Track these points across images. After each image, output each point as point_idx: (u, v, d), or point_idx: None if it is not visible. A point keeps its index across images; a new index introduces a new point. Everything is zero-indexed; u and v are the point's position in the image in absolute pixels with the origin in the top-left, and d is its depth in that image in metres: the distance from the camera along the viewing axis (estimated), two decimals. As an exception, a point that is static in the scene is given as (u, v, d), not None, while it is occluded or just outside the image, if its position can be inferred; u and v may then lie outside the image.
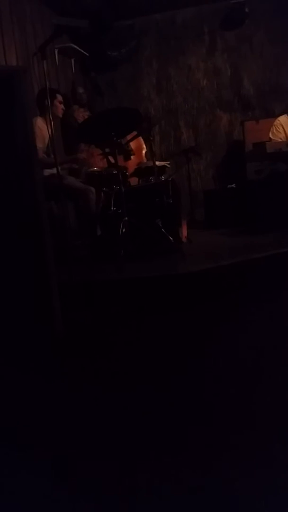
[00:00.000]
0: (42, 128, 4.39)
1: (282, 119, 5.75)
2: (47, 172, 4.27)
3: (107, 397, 2.26)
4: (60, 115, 4.79)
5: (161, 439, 1.83)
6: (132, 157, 5.26)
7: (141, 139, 5.79)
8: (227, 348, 2.68)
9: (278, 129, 5.70)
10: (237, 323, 3.07)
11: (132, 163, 5.32)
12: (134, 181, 5.14)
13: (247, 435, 1.79)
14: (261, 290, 3.52)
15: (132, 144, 5.25)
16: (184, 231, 5.02)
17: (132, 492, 1.55)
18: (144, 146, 5.95)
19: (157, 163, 4.79)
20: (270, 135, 5.70)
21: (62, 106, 4.70)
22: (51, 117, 3.74)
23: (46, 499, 1.55)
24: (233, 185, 6.29)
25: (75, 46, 6.19)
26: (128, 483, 1.59)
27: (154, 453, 1.75)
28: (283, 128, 5.69)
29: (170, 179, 4.87)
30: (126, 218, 4.08)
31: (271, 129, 5.73)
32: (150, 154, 5.12)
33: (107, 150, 4.64)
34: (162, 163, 5.12)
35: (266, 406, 1.97)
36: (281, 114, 5.96)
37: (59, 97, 4.66)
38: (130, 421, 2.00)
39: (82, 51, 6.38)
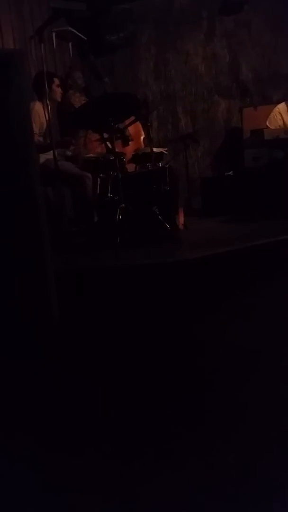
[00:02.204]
0: (40, 113, 4.34)
1: (281, 106, 5.72)
2: (43, 158, 4.23)
3: (103, 385, 2.26)
4: (59, 99, 4.74)
5: (158, 431, 1.83)
6: (130, 143, 5.22)
7: (139, 125, 5.74)
8: (224, 335, 2.68)
9: (275, 117, 5.67)
10: (234, 310, 3.07)
11: (129, 149, 5.28)
12: (131, 167, 5.10)
13: (245, 428, 1.79)
14: (259, 277, 3.52)
15: (131, 130, 5.21)
16: (181, 219, 5.00)
17: (129, 482, 1.55)
18: (143, 132, 5.90)
19: (155, 149, 4.76)
20: (267, 123, 5.67)
21: (60, 90, 4.65)
22: (48, 102, 3.69)
23: (43, 491, 1.55)
24: (231, 173, 6.26)
25: (73, 30, 6.11)
26: (125, 472, 1.59)
27: (151, 443, 1.75)
28: (282, 116, 5.66)
29: (167, 166, 4.84)
30: (123, 205, 4.06)
31: (269, 117, 5.69)
32: (148, 140, 5.08)
33: (105, 135, 4.61)
34: (160, 149, 5.09)
35: (265, 398, 1.97)
36: (279, 101, 5.94)
37: (57, 81, 4.61)
38: (127, 409, 2.00)
39: (80, 35, 6.30)
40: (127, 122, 4.82)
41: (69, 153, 4.76)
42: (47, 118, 4.09)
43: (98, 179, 4.64)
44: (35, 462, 1.69)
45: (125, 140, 5.06)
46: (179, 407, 1.96)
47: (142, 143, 5.88)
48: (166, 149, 5.45)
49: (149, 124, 4.82)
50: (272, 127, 5.57)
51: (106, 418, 1.94)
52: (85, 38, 6.30)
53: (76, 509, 1.45)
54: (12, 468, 1.67)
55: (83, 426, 1.89)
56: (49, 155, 4.10)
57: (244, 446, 1.65)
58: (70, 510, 1.45)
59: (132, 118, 4.81)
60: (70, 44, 6.46)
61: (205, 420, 1.85)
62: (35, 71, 5.02)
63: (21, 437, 1.86)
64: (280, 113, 5.69)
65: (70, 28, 6.03)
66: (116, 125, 4.31)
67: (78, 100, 5.76)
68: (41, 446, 1.78)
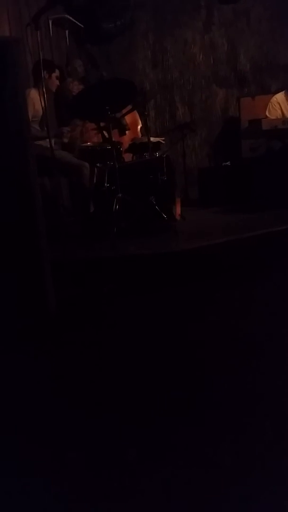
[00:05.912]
0: (35, 100, 4.31)
1: (279, 96, 5.71)
2: (39, 147, 4.20)
3: (100, 374, 2.25)
4: (54, 90, 4.71)
5: (155, 421, 1.82)
6: (127, 132, 5.19)
7: (136, 114, 5.71)
8: (219, 327, 2.68)
9: (274, 107, 5.65)
10: (230, 301, 3.06)
11: (126, 139, 5.25)
12: (128, 157, 5.08)
13: (243, 420, 1.78)
14: (255, 268, 3.51)
15: (128, 119, 5.17)
16: (178, 209, 4.98)
17: (127, 478, 1.54)
18: (140, 121, 5.87)
19: (152, 139, 4.73)
20: (267, 113, 5.66)
21: (57, 81, 4.63)
22: (44, 90, 3.67)
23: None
24: (228, 163, 6.24)
25: (70, 17, 6.05)
26: (120, 463, 1.59)
27: (148, 434, 1.75)
28: (280, 106, 5.64)
29: (164, 155, 4.82)
30: (120, 195, 4.04)
31: (268, 106, 5.67)
32: (145, 129, 5.05)
33: (102, 124, 4.57)
34: (157, 139, 5.06)
35: (264, 391, 1.97)
36: (277, 91, 5.91)
37: (57, 72, 4.59)
38: (125, 398, 2.00)
39: (77, 22, 6.23)
40: (124, 111, 4.79)
41: (65, 140, 4.72)
42: (43, 106, 4.06)
43: (95, 169, 4.61)
44: (31, 457, 1.69)
45: (122, 130, 5.03)
46: (176, 398, 1.96)
47: (139, 133, 5.84)
48: (163, 138, 5.42)
49: (146, 113, 4.79)
50: (273, 117, 5.55)
51: (103, 409, 1.94)
52: (82, 26, 6.24)
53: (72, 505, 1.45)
54: (9, 463, 1.67)
55: (80, 418, 1.89)
56: (45, 143, 4.07)
57: (244, 444, 1.64)
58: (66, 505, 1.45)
59: (129, 107, 4.78)
60: (67, 31, 6.40)
61: (204, 412, 1.84)
62: (31, 58, 4.97)
63: (18, 428, 1.86)
64: (278, 103, 5.67)
65: (67, 16, 5.97)
66: (113, 114, 4.28)
67: (76, 88, 5.71)
68: (38, 439, 1.78)
